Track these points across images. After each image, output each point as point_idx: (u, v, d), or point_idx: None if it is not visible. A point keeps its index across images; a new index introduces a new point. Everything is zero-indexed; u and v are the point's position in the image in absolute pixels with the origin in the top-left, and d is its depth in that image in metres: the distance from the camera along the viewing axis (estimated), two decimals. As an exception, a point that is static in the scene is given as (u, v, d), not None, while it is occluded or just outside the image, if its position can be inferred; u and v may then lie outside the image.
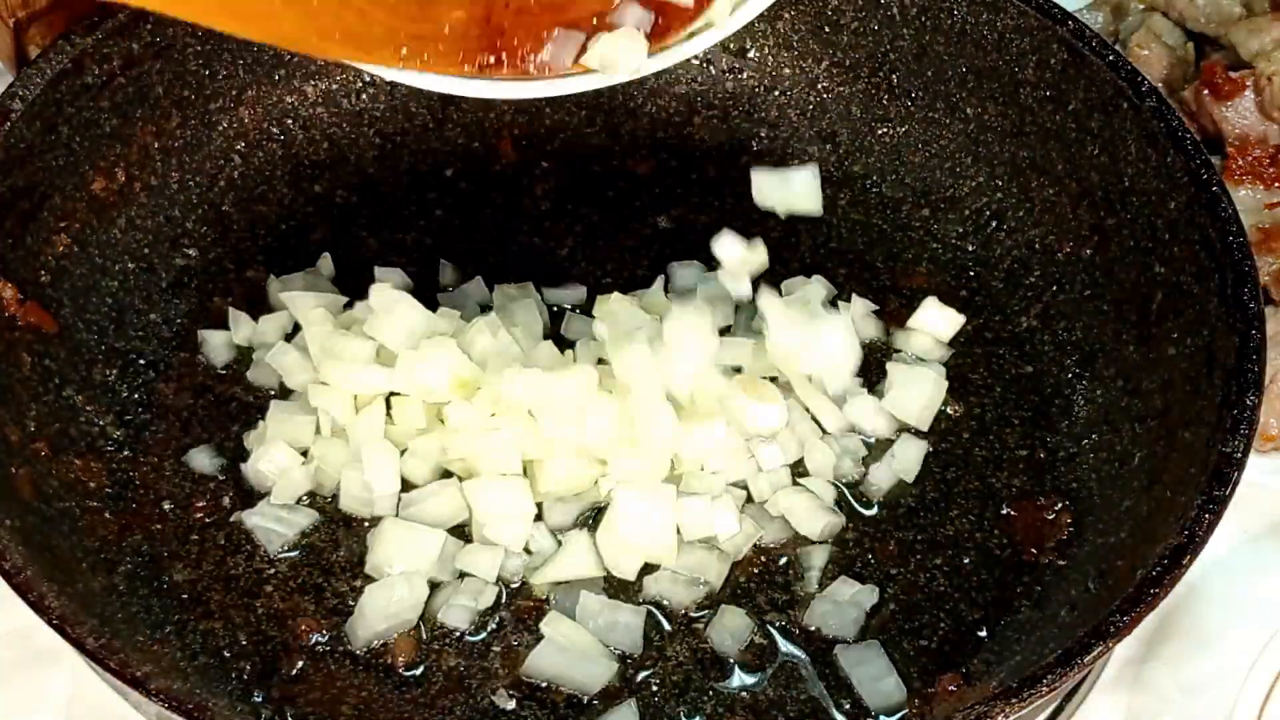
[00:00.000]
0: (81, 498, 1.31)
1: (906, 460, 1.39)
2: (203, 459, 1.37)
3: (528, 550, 1.33)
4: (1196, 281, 1.31)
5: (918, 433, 1.41)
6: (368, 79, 1.57)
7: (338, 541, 1.33)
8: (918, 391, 1.41)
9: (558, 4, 1.19)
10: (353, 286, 1.47)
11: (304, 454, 1.37)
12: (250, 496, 1.35)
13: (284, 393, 1.41)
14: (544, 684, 1.26)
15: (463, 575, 1.32)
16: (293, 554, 1.32)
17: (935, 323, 1.46)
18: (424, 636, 1.29)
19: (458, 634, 1.29)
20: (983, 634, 1.29)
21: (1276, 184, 1.52)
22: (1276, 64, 1.53)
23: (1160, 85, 1.60)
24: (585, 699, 1.26)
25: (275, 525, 1.33)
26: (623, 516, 1.32)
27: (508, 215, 1.54)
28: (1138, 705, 1.36)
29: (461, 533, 1.34)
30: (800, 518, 1.35)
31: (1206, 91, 1.55)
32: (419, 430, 1.37)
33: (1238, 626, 1.39)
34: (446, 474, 1.37)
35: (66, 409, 1.34)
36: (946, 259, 1.52)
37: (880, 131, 1.57)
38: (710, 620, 1.30)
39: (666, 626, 1.30)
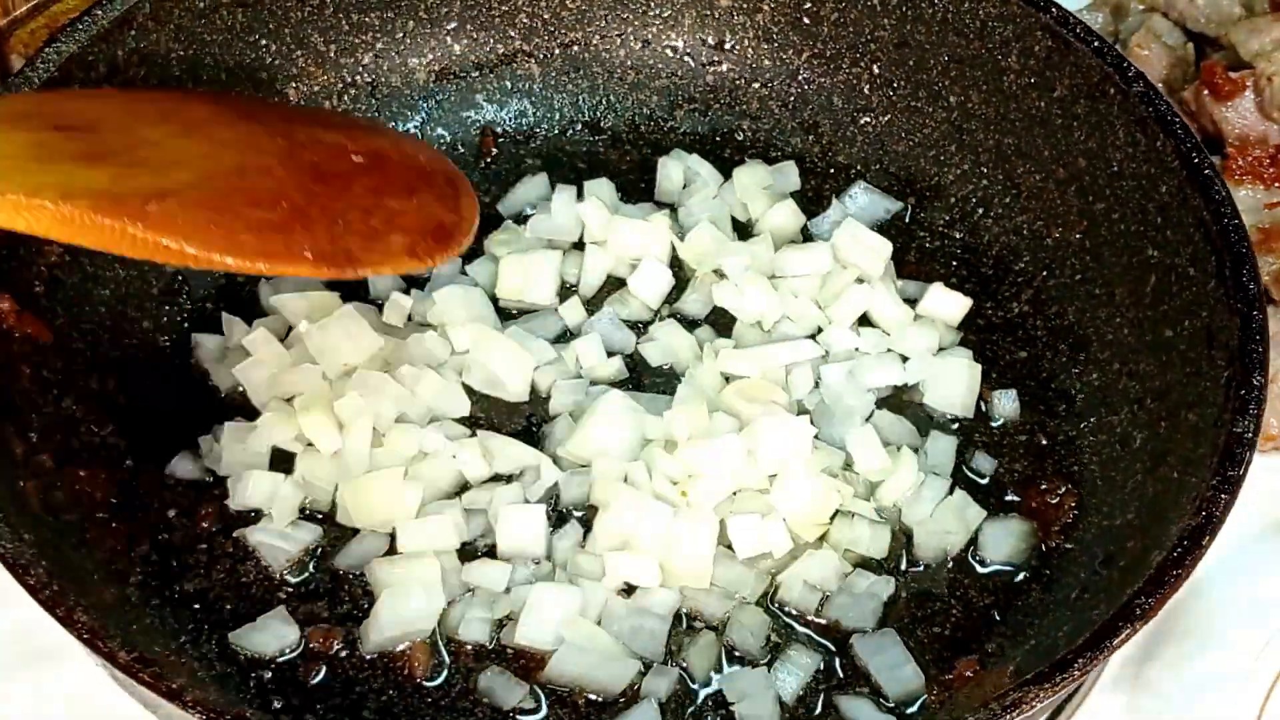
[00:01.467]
0: (88, 509, 1.29)
1: (939, 456, 1.38)
2: (185, 465, 1.36)
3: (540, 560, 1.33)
4: (1193, 264, 1.32)
5: (945, 428, 1.41)
6: (349, 80, 1.56)
7: (347, 548, 1.33)
8: (955, 380, 1.42)
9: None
10: (347, 286, 1.45)
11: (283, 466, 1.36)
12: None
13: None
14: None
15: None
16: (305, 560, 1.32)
17: (943, 307, 1.46)
18: (440, 643, 1.28)
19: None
20: (995, 618, 1.30)
21: (1276, 184, 1.53)
22: (1276, 64, 1.53)
23: (1160, 85, 1.60)
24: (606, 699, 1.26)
25: (279, 542, 1.33)
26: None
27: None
28: (1138, 705, 1.36)
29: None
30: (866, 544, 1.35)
31: (1206, 92, 1.55)
32: (410, 458, 1.37)
33: (1238, 626, 1.39)
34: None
35: (66, 420, 1.32)
36: (934, 247, 1.52)
37: (863, 121, 1.56)
38: (729, 619, 1.29)
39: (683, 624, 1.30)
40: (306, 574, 1.32)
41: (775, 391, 1.40)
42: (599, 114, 1.61)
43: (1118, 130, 1.39)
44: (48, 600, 1.08)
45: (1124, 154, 1.39)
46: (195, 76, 1.46)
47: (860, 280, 1.47)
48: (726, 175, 1.55)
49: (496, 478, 1.38)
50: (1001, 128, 1.49)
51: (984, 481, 1.38)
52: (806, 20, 1.56)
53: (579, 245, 1.51)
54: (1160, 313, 1.35)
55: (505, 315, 1.48)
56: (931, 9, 1.49)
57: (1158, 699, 1.36)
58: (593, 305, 1.48)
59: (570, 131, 1.60)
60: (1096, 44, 1.41)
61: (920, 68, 1.53)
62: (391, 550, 1.32)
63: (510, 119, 1.60)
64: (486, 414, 1.42)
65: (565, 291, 1.49)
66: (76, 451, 1.31)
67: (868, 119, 1.56)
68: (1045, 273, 1.47)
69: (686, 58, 1.60)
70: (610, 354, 1.45)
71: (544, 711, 1.25)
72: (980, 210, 1.51)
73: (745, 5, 1.57)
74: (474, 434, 1.39)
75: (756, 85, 1.59)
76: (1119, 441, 1.35)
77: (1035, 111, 1.46)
